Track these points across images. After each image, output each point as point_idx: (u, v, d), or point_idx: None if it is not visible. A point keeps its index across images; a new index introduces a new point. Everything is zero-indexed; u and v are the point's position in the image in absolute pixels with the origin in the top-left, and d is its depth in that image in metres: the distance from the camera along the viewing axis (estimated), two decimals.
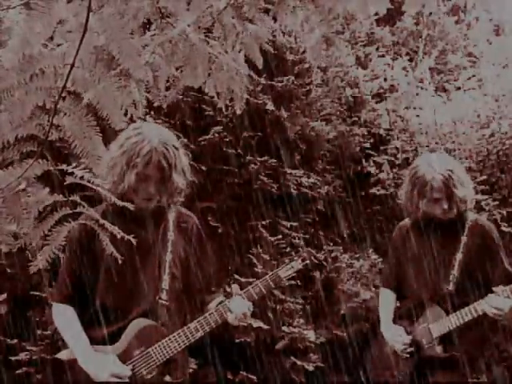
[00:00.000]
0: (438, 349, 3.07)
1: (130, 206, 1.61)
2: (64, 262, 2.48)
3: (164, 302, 2.44)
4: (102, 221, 1.29)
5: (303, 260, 2.61)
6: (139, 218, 2.46)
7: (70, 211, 1.20)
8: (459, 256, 3.13)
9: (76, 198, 1.16)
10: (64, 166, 1.13)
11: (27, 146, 1.02)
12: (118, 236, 1.42)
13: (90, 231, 2.45)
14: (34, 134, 1.03)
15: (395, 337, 3.16)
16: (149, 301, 2.43)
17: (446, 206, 3.08)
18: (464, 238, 3.16)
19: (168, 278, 2.46)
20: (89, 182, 1.12)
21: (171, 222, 2.54)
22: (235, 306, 2.43)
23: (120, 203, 1.52)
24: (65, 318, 2.47)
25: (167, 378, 2.43)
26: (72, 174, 1.12)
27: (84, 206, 1.21)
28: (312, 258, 2.64)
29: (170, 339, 2.41)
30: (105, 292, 2.42)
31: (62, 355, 2.45)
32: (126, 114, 1.23)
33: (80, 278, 2.44)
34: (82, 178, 1.11)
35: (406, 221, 3.38)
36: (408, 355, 3.12)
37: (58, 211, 1.17)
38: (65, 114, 1.04)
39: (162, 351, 2.40)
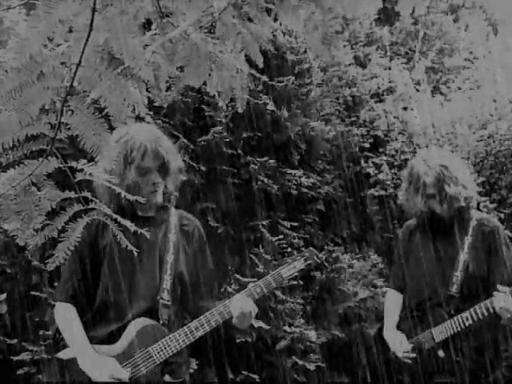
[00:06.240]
0: (440, 353, 3.03)
1: (141, 200, 1.65)
2: (67, 261, 2.49)
3: (165, 302, 2.44)
4: (114, 215, 1.30)
5: (306, 260, 2.60)
6: (140, 217, 2.48)
7: (83, 207, 1.20)
8: (463, 257, 3.07)
9: (87, 194, 1.17)
10: (74, 164, 1.13)
11: (37, 144, 1.03)
12: (132, 229, 1.43)
13: (92, 230, 2.48)
14: (44, 132, 1.04)
15: (396, 344, 3.13)
16: (149, 300, 2.43)
17: (438, 202, 3.08)
18: (468, 238, 3.09)
19: (170, 279, 2.47)
20: (98, 178, 1.13)
21: (173, 224, 2.56)
22: (238, 305, 2.41)
23: (130, 197, 1.54)
24: (65, 317, 2.46)
25: (167, 378, 2.43)
26: (81, 170, 1.13)
27: (96, 203, 1.21)
28: (315, 257, 2.60)
29: (170, 338, 2.41)
30: (105, 290, 2.42)
31: (63, 354, 2.45)
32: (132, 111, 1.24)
33: (82, 277, 2.46)
34: (91, 174, 1.12)
35: (412, 221, 3.35)
36: (409, 361, 3.10)
37: (71, 207, 1.17)
38: (72, 112, 1.05)
39: (162, 350, 2.40)
